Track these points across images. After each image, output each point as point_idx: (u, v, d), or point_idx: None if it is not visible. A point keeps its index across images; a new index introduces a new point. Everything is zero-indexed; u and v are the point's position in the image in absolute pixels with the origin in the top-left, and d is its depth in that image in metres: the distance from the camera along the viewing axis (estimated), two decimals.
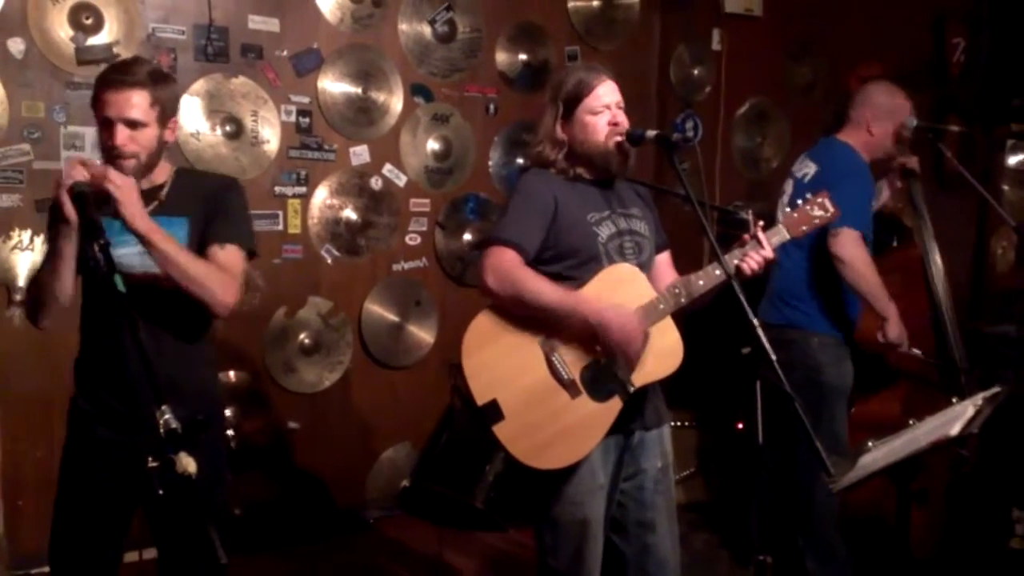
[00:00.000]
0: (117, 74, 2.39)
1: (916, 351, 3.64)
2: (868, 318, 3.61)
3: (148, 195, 2.46)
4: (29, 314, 2.50)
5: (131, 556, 2.63)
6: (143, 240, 2.30)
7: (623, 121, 2.61)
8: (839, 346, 3.63)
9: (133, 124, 2.37)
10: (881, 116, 3.62)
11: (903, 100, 3.66)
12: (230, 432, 3.82)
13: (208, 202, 2.53)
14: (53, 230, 2.32)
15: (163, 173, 2.51)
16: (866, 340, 3.63)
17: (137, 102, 2.36)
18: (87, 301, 2.53)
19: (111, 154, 2.39)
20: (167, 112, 2.45)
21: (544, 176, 2.63)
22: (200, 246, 2.48)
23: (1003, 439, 3.91)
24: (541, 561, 2.67)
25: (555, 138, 2.61)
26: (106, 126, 2.38)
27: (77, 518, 2.53)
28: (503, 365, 2.50)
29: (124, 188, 2.29)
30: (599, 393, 2.52)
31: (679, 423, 4.57)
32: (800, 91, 5.44)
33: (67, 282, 2.37)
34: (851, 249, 3.41)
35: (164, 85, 2.44)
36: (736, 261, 2.54)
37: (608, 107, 2.59)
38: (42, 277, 2.39)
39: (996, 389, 2.46)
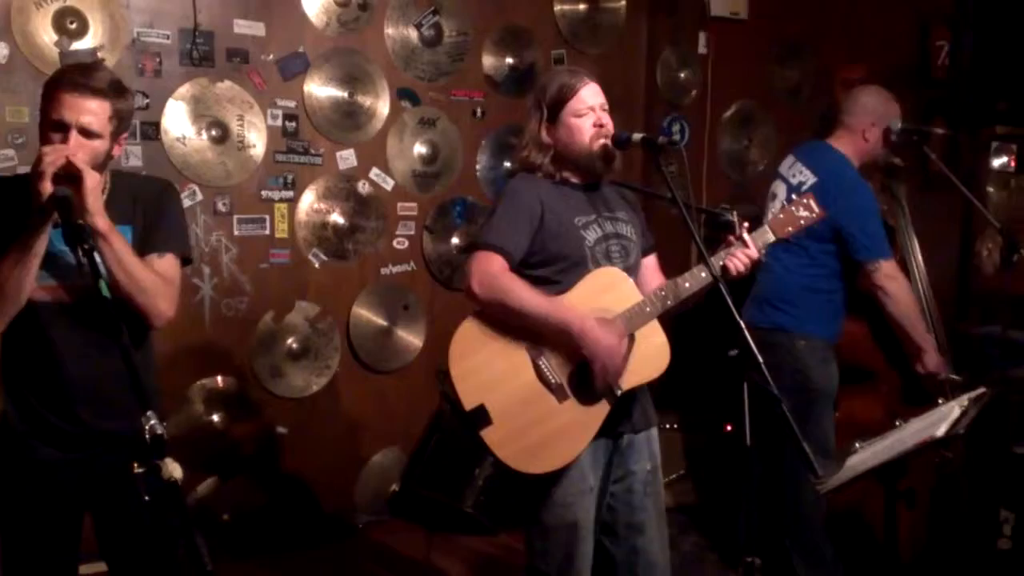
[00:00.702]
0: (81, 77, 2.27)
1: (955, 376, 3.65)
2: (851, 325, 3.64)
3: None
4: None
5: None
6: (101, 238, 2.20)
7: (608, 123, 2.61)
8: (825, 348, 3.64)
9: (87, 133, 2.25)
10: (876, 122, 3.64)
11: (893, 103, 3.68)
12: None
13: (147, 209, 2.46)
14: (29, 228, 2.21)
15: (102, 179, 2.38)
16: (846, 349, 3.66)
17: (97, 111, 2.26)
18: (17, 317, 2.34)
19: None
20: (121, 127, 2.36)
21: (530, 180, 2.63)
22: (139, 254, 2.39)
23: (989, 440, 3.92)
24: (531, 564, 2.67)
25: (541, 142, 2.62)
26: (57, 128, 2.25)
27: (27, 546, 2.44)
28: (490, 370, 2.50)
29: (94, 177, 2.22)
30: (586, 397, 2.53)
31: (668, 425, 4.58)
32: (786, 94, 5.45)
33: (30, 282, 2.27)
34: (896, 283, 3.50)
35: (124, 98, 2.35)
36: (722, 261, 2.55)
37: (592, 109, 2.60)
38: (6, 276, 2.23)
39: (981, 390, 2.48)
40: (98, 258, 2.09)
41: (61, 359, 2.37)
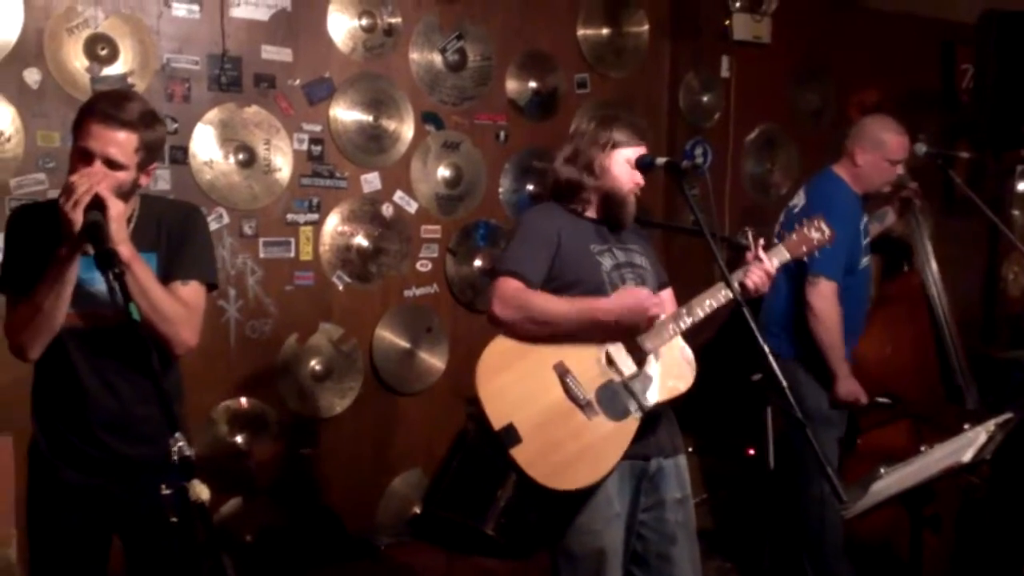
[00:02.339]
0: (111, 108, 2.28)
1: (882, 399, 3.65)
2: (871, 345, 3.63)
3: None
4: (17, 343, 2.34)
5: None
6: (126, 267, 2.19)
7: (642, 183, 2.69)
8: (819, 372, 3.63)
9: (112, 164, 2.27)
10: (867, 148, 3.63)
11: (894, 135, 3.64)
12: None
13: (172, 234, 2.46)
14: (61, 254, 2.24)
15: (130, 205, 2.41)
16: (869, 373, 3.65)
17: (123, 143, 2.27)
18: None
19: None
20: (149, 158, 2.36)
21: (549, 209, 2.69)
22: (164, 280, 2.41)
23: (1016, 465, 3.88)
24: None
25: (593, 166, 2.66)
26: (84, 156, 2.27)
27: (54, 567, 2.47)
28: (518, 389, 2.51)
29: (118, 206, 2.24)
30: (615, 412, 2.54)
31: (687, 449, 4.55)
32: (809, 117, 5.46)
33: (64, 308, 2.30)
34: (826, 303, 3.51)
35: (153, 129, 2.35)
36: (740, 278, 2.57)
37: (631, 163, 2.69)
38: (41, 303, 2.26)
39: (1008, 415, 2.46)
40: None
41: (85, 386, 2.40)
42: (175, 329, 2.36)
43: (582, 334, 2.54)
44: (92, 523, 2.46)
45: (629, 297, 2.53)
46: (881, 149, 3.63)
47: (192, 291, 2.44)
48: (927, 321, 3.93)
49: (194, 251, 2.48)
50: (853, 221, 3.61)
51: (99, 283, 2.25)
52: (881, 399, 3.64)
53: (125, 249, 2.23)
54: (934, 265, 3.97)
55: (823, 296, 3.49)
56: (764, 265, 2.59)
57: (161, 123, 2.41)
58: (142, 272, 2.28)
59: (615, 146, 2.66)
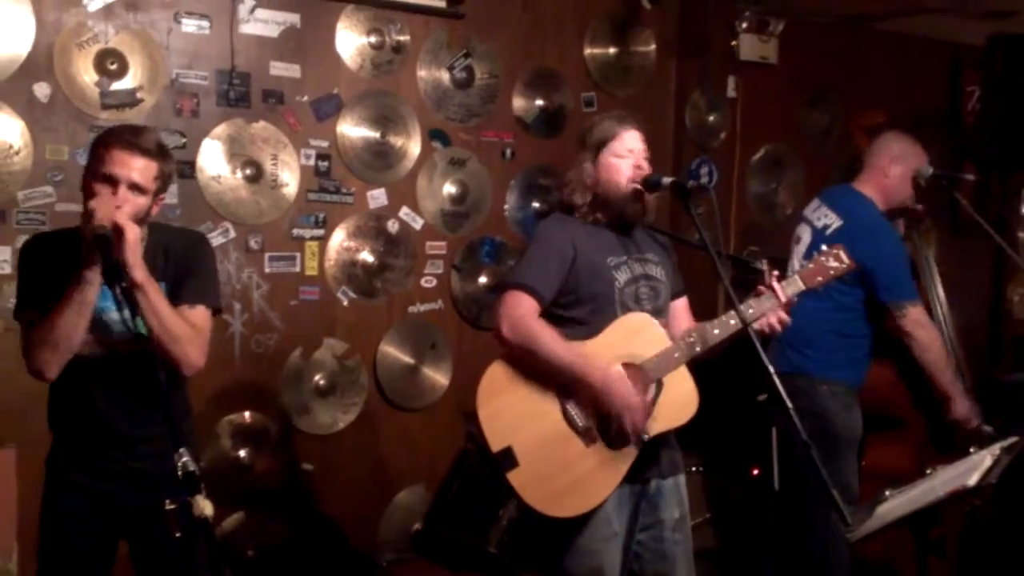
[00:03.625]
0: (132, 136, 2.45)
1: (987, 427, 3.59)
2: (877, 369, 3.61)
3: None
4: (37, 364, 2.43)
5: None
6: (139, 290, 2.31)
7: (647, 168, 2.64)
8: (847, 394, 3.61)
9: (136, 188, 2.42)
10: (898, 161, 3.65)
11: (917, 146, 3.69)
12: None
13: (179, 262, 2.58)
14: (81, 274, 2.34)
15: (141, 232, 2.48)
16: (869, 398, 3.63)
17: (144, 170, 2.43)
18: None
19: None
20: (163, 187, 2.53)
21: (563, 221, 2.66)
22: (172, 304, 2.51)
23: (1019, 487, 3.87)
24: None
25: (586, 183, 2.65)
26: (107, 181, 2.40)
27: (62, 565, 2.57)
28: (518, 412, 2.51)
29: (134, 231, 2.35)
30: (614, 441, 2.53)
31: (692, 468, 4.54)
32: (815, 137, 5.47)
33: (83, 329, 2.39)
34: (925, 328, 3.49)
35: (167, 160, 2.52)
36: (751, 311, 2.55)
37: (632, 152, 2.63)
38: (61, 323, 2.35)
39: (1014, 439, 2.45)
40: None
41: (98, 407, 2.54)
42: (184, 349, 2.47)
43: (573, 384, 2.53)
44: (102, 524, 2.57)
45: (627, 397, 2.50)
46: (910, 162, 3.65)
47: (199, 315, 2.57)
48: None
49: (200, 278, 2.61)
50: (899, 238, 3.63)
51: (114, 311, 2.38)
52: (987, 427, 3.58)
53: (140, 273, 2.35)
54: (939, 286, 3.96)
55: (919, 323, 3.47)
56: (782, 316, 2.58)
57: (171, 157, 2.58)
58: (154, 295, 2.39)
59: (599, 149, 2.65)
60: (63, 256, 2.42)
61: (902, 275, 3.48)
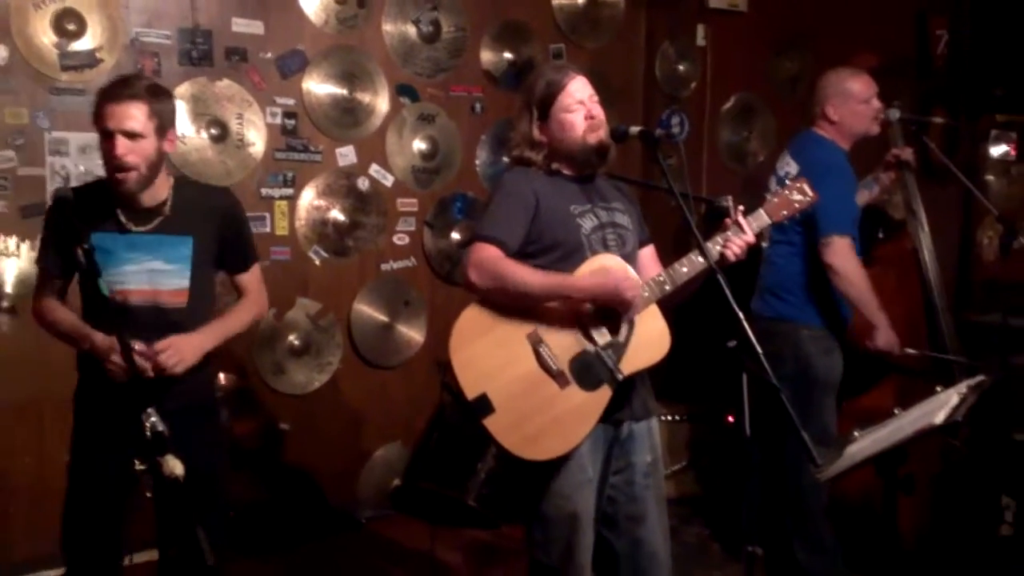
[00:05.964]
0: (119, 87, 2.51)
1: (910, 350, 3.64)
2: (861, 317, 3.63)
3: (152, 212, 2.59)
4: (33, 312, 2.68)
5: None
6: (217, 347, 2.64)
7: (599, 114, 2.63)
8: (828, 338, 3.64)
9: (132, 135, 2.47)
10: (836, 102, 3.63)
11: (854, 78, 3.63)
12: None
13: (218, 225, 2.69)
14: (95, 346, 2.49)
15: (164, 187, 2.62)
16: (859, 339, 3.65)
17: (135, 114, 2.47)
18: (87, 304, 2.63)
19: (113, 166, 2.49)
20: (165, 124, 2.55)
21: (525, 173, 2.65)
22: (209, 264, 2.68)
23: (991, 427, 3.93)
24: (532, 558, 2.68)
25: (533, 140, 2.64)
26: (107, 138, 2.48)
27: (88, 503, 2.60)
28: (492, 358, 2.51)
29: (175, 356, 2.48)
30: (588, 382, 2.54)
31: (671, 417, 4.59)
32: (785, 85, 5.46)
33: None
34: (843, 259, 3.45)
35: (162, 99, 2.55)
36: (718, 248, 2.56)
37: (582, 103, 2.61)
38: (53, 332, 2.64)
39: (981, 377, 2.48)
40: (121, 270, 2.49)
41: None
42: (253, 322, 2.86)
43: (554, 309, 2.53)
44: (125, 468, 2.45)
45: (606, 277, 2.51)
46: (849, 97, 3.63)
47: (255, 273, 2.85)
48: (918, 285, 3.95)
49: (248, 239, 2.84)
50: (849, 176, 3.61)
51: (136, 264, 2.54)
52: (909, 350, 3.62)
53: (207, 346, 2.61)
54: (927, 230, 3.97)
55: (840, 253, 3.44)
56: (744, 236, 2.58)
57: (169, 95, 2.62)
58: (226, 332, 2.68)
59: (548, 106, 2.63)
60: (82, 209, 2.44)
61: (841, 211, 3.43)
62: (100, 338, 2.47)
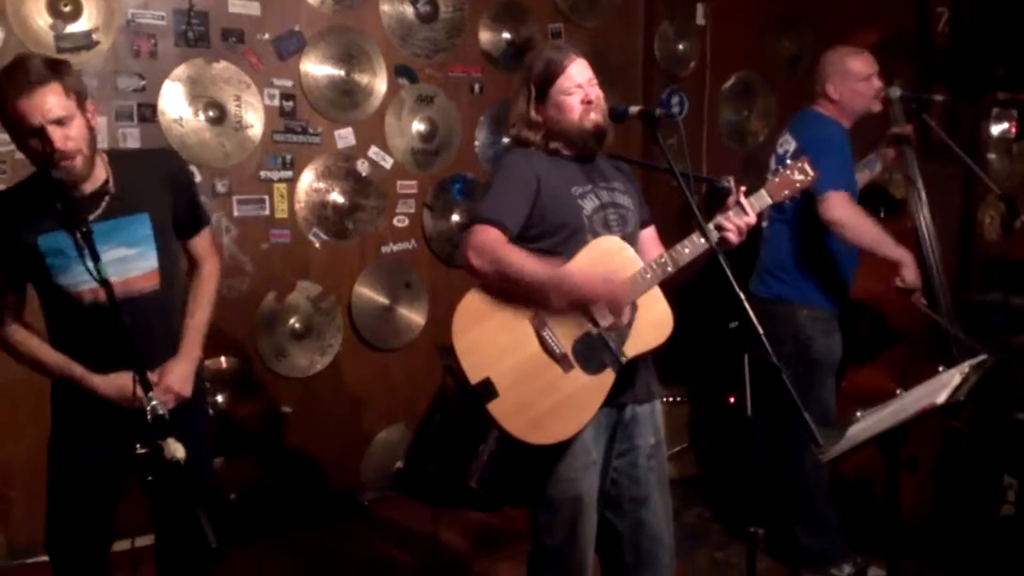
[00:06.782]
0: (19, 78, 2.25)
1: (923, 301, 3.65)
2: (865, 276, 3.63)
3: (97, 195, 2.41)
4: None
5: (122, 544, 2.62)
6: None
7: (597, 97, 2.61)
8: (828, 319, 3.64)
9: (61, 122, 2.27)
10: (836, 81, 3.62)
11: (854, 57, 3.64)
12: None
13: (170, 192, 2.54)
14: (91, 386, 2.42)
15: (101, 167, 2.44)
16: (866, 297, 3.64)
17: (54, 99, 2.26)
18: (51, 308, 2.50)
19: (53, 160, 2.27)
20: (82, 96, 2.36)
21: (525, 154, 2.63)
22: (170, 235, 2.55)
23: (992, 407, 3.93)
24: (536, 540, 2.69)
25: (530, 120, 2.63)
26: (35, 135, 2.27)
27: (71, 497, 2.53)
28: (494, 343, 2.50)
29: (172, 390, 2.46)
30: (591, 366, 2.53)
31: (671, 398, 4.59)
32: (785, 64, 5.43)
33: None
34: (842, 210, 3.43)
35: (67, 72, 2.33)
36: (720, 224, 2.55)
37: (580, 86, 2.60)
38: (25, 363, 2.49)
39: (983, 357, 2.47)
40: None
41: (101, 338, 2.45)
42: (219, 280, 2.74)
43: (550, 298, 2.51)
44: (110, 459, 2.51)
45: (607, 285, 2.46)
46: (849, 75, 3.62)
47: (207, 236, 2.71)
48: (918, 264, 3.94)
49: (197, 201, 2.69)
50: (845, 149, 3.60)
51: (105, 251, 2.32)
52: (923, 300, 3.63)
53: (189, 377, 2.54)
54: (927, 208, 3.96)
55: (839, 206, 3.41)
56: (745, 216, 2.57)
57: (65, 62, 2.39)
58: (200, 347, 2.61)
59: (547, 87, 2.61)
60: (20, 214, 2.33)
61: (835, 171, 3.39)
62: (101, 383, 2.38)
